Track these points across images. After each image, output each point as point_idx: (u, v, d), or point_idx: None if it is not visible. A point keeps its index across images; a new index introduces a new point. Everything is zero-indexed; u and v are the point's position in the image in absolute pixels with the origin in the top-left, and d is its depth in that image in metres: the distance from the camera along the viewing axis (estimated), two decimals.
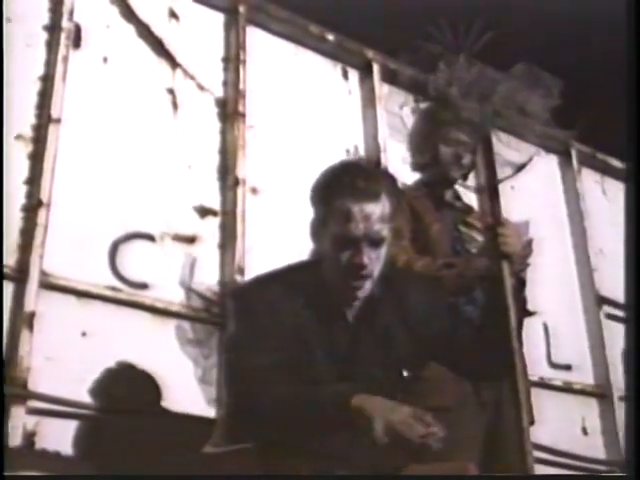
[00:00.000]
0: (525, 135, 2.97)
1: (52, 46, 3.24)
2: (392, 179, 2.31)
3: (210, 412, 3.08)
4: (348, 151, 4.03)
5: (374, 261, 2.17)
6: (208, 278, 3.36)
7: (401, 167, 3.41)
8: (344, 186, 2.19)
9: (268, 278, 2.38)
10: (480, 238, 2.99)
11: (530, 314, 2.86)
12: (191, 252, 3.36)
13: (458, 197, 3.19)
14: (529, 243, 2.73)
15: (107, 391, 2.96)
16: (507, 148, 2.81)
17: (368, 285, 2.19)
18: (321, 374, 2.14)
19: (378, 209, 2.16)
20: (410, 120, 3.21)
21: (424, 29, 2.63)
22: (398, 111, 3.16)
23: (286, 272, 2.34)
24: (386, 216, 2.18)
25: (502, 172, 2.74)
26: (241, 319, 2.35)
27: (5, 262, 2.88)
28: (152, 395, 3.05)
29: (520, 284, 2.62)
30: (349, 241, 2.16)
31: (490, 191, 2.64)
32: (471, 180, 3.33)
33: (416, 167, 3.16)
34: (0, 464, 2.42)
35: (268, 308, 2.19)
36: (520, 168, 2.83)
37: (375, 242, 2.16)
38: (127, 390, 3.03)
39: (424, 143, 3.08)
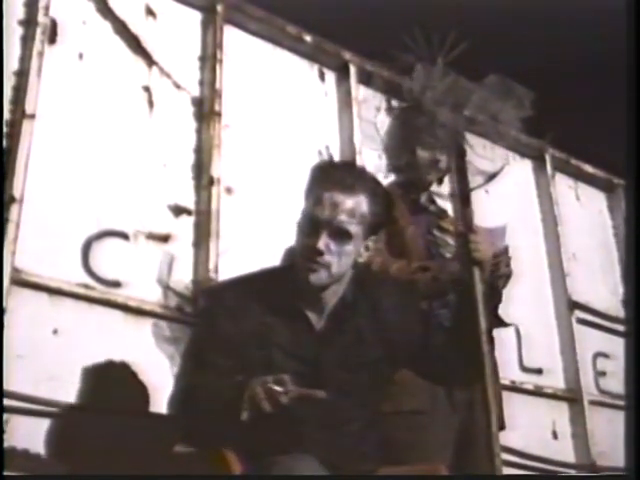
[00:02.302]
0: (499, 141, 2.98)
1: (27, 41, 3.21)
2: (383, 187, 2.36)
3: None
4: (320, 152, 4.03)
5: (334, 253, 2.17)
6: (182, 277, 3.35)
7: (376, 170, 3.42)
8: (325, 175, 2.25)
9: (235, 283, 2.40)
10: (454, 243, 3.00)
11: (505, 324, 2.88)
12: (167, 250, 3.35)
13: (433, 201, 3.19)
14: (505, 250, 2.75)
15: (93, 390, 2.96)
16: (479, 157, 2.83)
17: (324, 275, 2.18)
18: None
19: (349, 202, 2.18)
20: (384, 127, 3.21)
21: (402, 32, 2.63)
22: (372, 118, 3.16)
23: (254, 277, 2.36)
24: (359, 214, 2.19)
25: (474, 181, 2.75)
26: (202, 324, 2.38)
27: None
28: (132, 395, 3.05)
29: (492, 291, 2.63)
30: (312, 225, 2.19)
31: (462, 198, 2.66)
32: (445, 186, 3.34)
33: (392, 169, 3.16)
34: (0, 464, 2.41)
35: (230, 314, 2.20)
36: (492, 177, 2.85)
37: (337, 233, 2.17)
38: (110, 390, 3.03)
39: (401, 146, 3.08)
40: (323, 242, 2.16)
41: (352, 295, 2.28)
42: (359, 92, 4.23)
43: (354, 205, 2.19)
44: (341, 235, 2.18)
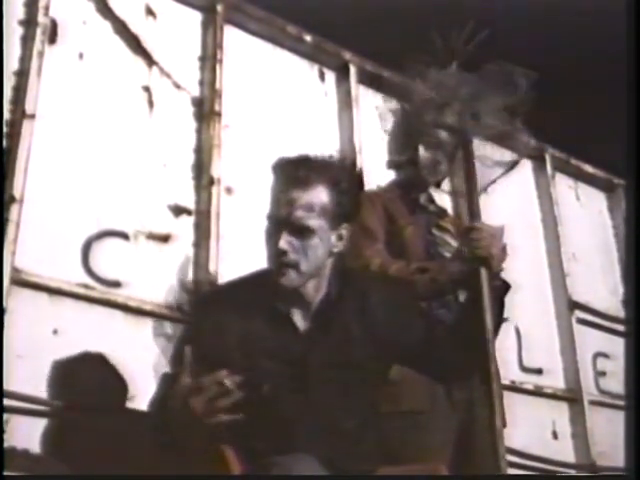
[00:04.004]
0: (502, 140, 2.96)
1: (27, 41, 3.21)
2: (348, 174, 2.30)
3: None
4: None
5: (298, 250, 2.15)
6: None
7: (376, 169, 3.42)
8: (280, 173, 2.23)
9: (219, 292, 2.43)
10: (453, 242, 2.99)
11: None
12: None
13: (432, 200, 3.19)
14: (503, 248, 2.73)
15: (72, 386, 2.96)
16: (495, 148, 2.80)
17: (293, 275, 2.16)
18: (273, 381, 2.13)
19: (305, 196, 2.16)
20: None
21: (402, 32, 2.63)
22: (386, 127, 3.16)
23: (237, 284, 2.36)
24: (318, 207, 2.17)
25: (493, 173, 2.72)
26: (187, 335, 2.37)
27: None
28: (120, 393, 3.04)
29: (503, 287, 2.61)
30: (274, 226, 2.19)
31: (468, 194, 2.64)
32: (445, 185, 3.33)
33: (392, 165, 3.16)
34: (0, 464, 2.41)
35: (214, 325, 2.19)
36: (513, 165, 2.81)
37: (297, 229, 2.15)
38: (94, 386, 3.02)
39: (405, 141, 3.08)
40: (284, 241, 2.14)
41: (337, 292, 2.26)
42: (359, 91, 4.23)
43: (311, 198, 2.16)
44: (301, 231, 2.16)
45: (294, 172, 2.19)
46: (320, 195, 2.18)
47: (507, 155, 2.80)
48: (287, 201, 2.16)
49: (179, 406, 1.95)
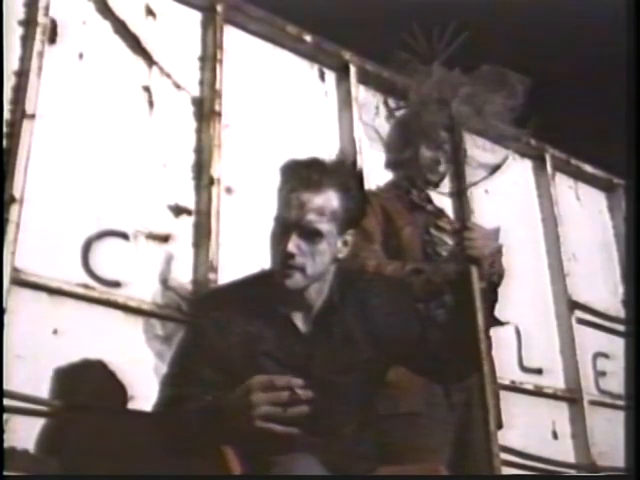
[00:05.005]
0: (497, 138, 2.96)
1: (27, 41, 3.21)
2: (357, 180, 2.27)
3: None
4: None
5: (306, 254, 2.12)
6: (182, 277, 3.35)
7: (376, 169, 3.41)
8: (291, 175, 2.19)
9: (219, 293, 2.41)
10: (451, 242, 2.99)
11: (500, 323, 2.86)
12: (167, 250, 3.35)
13: (429, 200, 3.18)
14: (499, 249, 2.73)
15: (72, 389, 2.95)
16: (481, 151, 2.80)
17: (299, 278, 2.13)
18: None
19: (317, 200, 2.12)
20: (384, 130, 3.20)
21: (402, 32, 2.62)
22: (371, 122, 3.15)
23: (238, 285, 2.33)
24: (329, 211, 2.14)
25: (476, 175, 2.72)
26: (188, 337, 2.36)
27: None
28: (119, 393, 3.04)
29: (491, 288, 2.61)
30: (282, 228, 2.15)
31: (458, 194, 2.63)
32: (445, 186, 3.33)
33: (391, 164, 3.15)
34: (0, 464, 2.41)
35: (215, 326, 2.17)
36: (495, 169, 2.81)
37: (307, 232, 2.12)
38: (93, 388, 3.02)
39: (406, 139, 3.06)
40: (293, 244, 2.10)
41: (338, 295, 2.24)
42: (359, 92, 4.24)
43: (323, 202, 2.13)
44: (311, 235, 2.12)
45: (306, 174, 2.15)
46: (331, 200, 2.14)
47: (497, 150, 2.79)
48: (298, 203, 2.12)
49: (239, 394, 1.93)
